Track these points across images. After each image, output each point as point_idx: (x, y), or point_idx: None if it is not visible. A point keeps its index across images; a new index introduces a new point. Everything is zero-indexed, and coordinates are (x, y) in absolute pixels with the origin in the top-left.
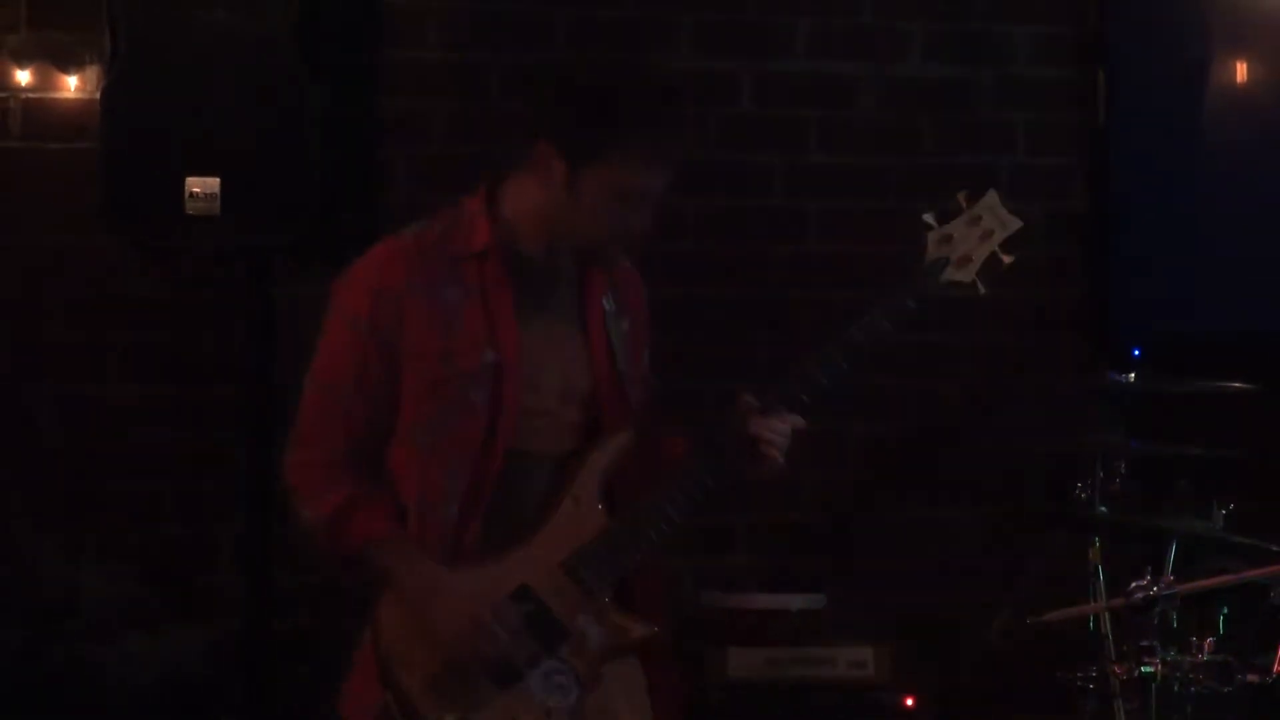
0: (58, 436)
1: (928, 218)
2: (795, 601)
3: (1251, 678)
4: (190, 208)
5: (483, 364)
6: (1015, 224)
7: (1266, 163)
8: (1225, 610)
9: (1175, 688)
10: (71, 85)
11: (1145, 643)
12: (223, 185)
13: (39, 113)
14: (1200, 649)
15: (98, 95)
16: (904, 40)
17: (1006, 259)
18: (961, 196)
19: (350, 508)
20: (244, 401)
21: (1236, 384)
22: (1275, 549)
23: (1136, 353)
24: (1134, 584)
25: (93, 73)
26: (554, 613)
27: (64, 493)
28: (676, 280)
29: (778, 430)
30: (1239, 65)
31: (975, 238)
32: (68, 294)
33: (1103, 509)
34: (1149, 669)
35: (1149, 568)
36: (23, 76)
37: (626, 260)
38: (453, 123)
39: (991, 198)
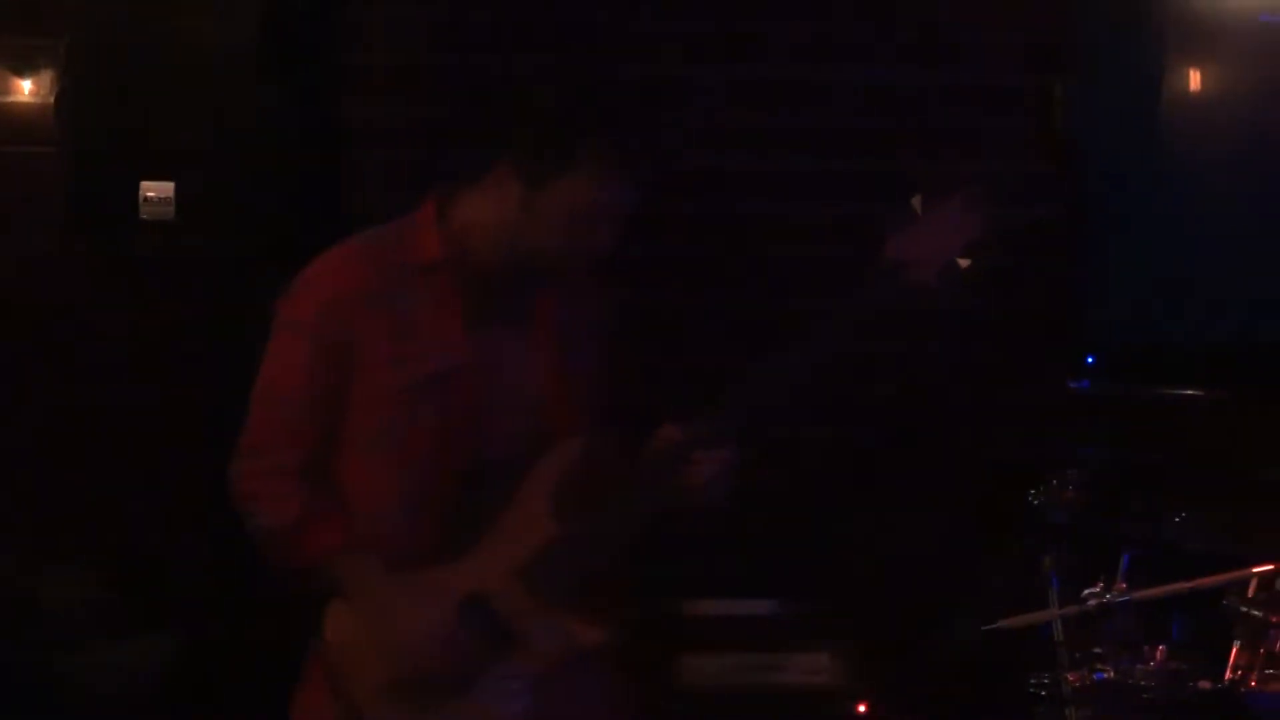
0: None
1: (887, 221)
2: (751, 608)
3: (1204, 684)
4: (145, 212)
5: (433, 372)
6: (974, 228)
7: (1230, 172)
8: (1178, 617)
9: (1128, 694)
10: (26, 89)
11: (1098, 650)
12: (178, 190)
13: None
14: (1153, 656)
15: (53, 99)
16: (873, 47)
17: (964, 263)
18: (917, 200)
19: (302, 518)
20: (202, 408)
21: (1191, 391)
22: (1228, 556)
23: (1091, 360)
24: (1087, 591)
25: (48, 77)
26: (505, 620)
27: (26, 499)
28: (643, 286)
29: (702, 474)
30: (1203, 71)
31: (936, 241)
32: (23, 298)
33: (1058, 516)
34: (1102, 676)
35: (1103, 575)
36: None
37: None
38: (413, 129)
39: (950, 202)
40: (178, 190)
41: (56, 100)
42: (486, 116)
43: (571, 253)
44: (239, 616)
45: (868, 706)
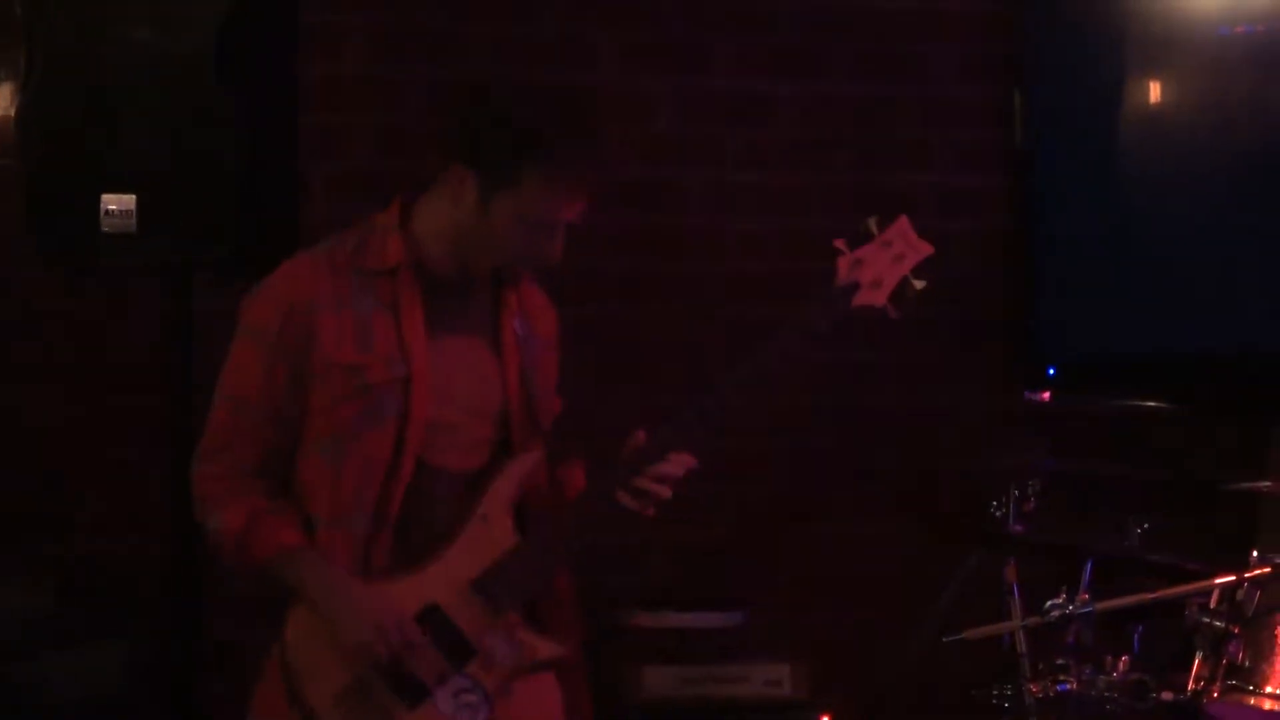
0: None
1: (839, 243)
2: (712, 619)
3: (1166, 695)
4: (106, 225)
5: (392, 377)
6: (926, 249)
7: (1185, 184)
8: (1140, 628)
9: (1091, 705)
10: None
11: (1061, 661)
12: (139, 203)
13: None
14: (1115, 667)
15: (13, 111)
16: (824, 59)
17: (918, 284)
18: (872, 221)
19: (258, 518)
20: (162, 416)
21: (1152, 403)
22: (1190, 567)
23: (1052, 372)
24: (1050, 602)
25: (8, 89)
26: (462, 630)
27: None
28: (593, 298)
29: (665, 478)
30: (1158, 86)
31: (887, 261)
32: None
33: (1018, 527)
34: (1065, 686)
35: (1065, 586)
36: None
37: (538, 286)
38: (371, 139)
39: (902, 223)
40: (139, 203)
41: (16, 113)
42: (442, 124)
43: (521, 259)
44: (192, 623)
45: (831, 717)
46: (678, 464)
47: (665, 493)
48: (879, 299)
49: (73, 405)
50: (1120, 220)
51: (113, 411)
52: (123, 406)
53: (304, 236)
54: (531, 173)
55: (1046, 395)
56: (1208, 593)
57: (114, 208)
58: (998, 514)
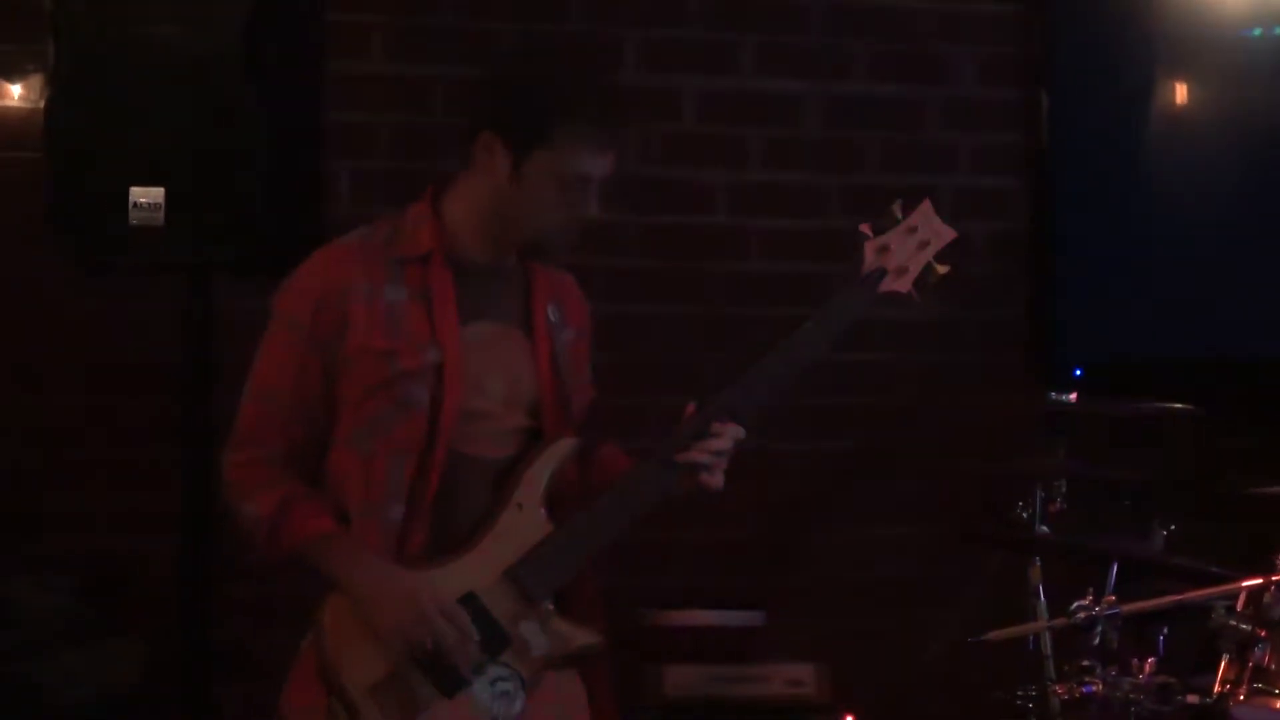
0: None
1: (864, 228)
2: (733, 619)
3: (1191, 698)
4: (134, 218)
5: (425, 364)
6: (949, 234)
7: (1208, 186)
8: (1165, 631)
9: (1116, 708)
10: (15, 94)
11: (1086, 663)
12: (166, 197)
13: None
14: (1141, 669)
15: (41, 105)
16: (848, 59)
17: (942, 269)
18: (896, 206)
19: (291, 504)
20: (183, 414)
21: (1177, 405)
22: (1215, 570)
23: (1078, 373)
24: (1076, 604)
25: (36, 82)
26: (498, 620)
27: (0, 507)
28: (618, 297)
29: (718, 449)
30: (1182, 88)
31: (912, 248)
32: (8, 304)
33: (1043, 529)
34: (1090, 689)
35: (1091, 588)
36: None
37: (567, 274)
38: (396, 136)
39: (926, 207)
40: (167, 196)
41: (45, 106)
42: (471, 94)
43: (558, 225)
44: (207, 621)
45: (853, 718)
46: (728, 435)
47: (717, 463)
48: (904, 286)
49: (91, 401)
50: (1144, 222)
51: (131, 408)
52: (142, 403)
53: (328, 234)
54: (562, 129)
55: (1074, 397)
56: (1234, 596)
57: (143, 201)
58: (1023, 516)
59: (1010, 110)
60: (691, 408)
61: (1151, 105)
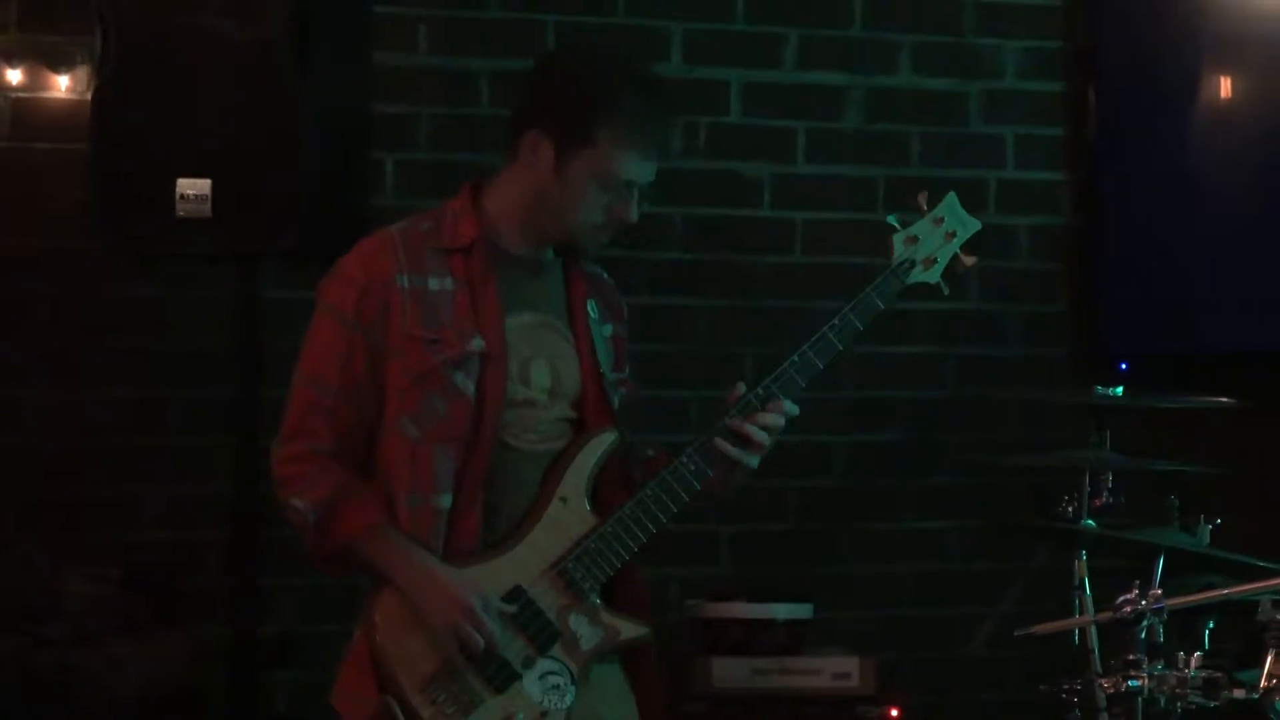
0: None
1: (892, 219)
2: (781, 611)
3: (1238, 693)
4: (181, 209)
5: (469, 352)
6: (975, 225)
7: (1255, 179)
8: (1211, 625)
9: (1162, 702)
10: (62, 85)
11: (1131, 657)
12: (213, 188)
13: (29, 113)
14: (1186, 664)
15: (88, 96)
16: (893, 52)
17: (968, 261)
18: (921, 198)
19: (342, 498)
20: (230, 404)
21: (1224, 399)
22: (1262, 564)
23: (1124, 367)
24: (1122, 598)
25: (83, 73)
26: (547, 613)
27: (48, 495)
28: (662, 289)
29: (767, 424)
30: (1229, 81)
31: (939, 239)
32: (55, 295)
33: (1089, 522)
34: (1135, 683)
35: (1136, 582)
36: (13, 76)
37: (604, 274)
38: (442, 128)
39: (951, 199)
40: (214, 187)
41: (93, 97)
42: (517, 89)
43: (597, 225)
44: (255, 611)
45: (900, 711)
46: (778, 412)
47: (766, 440)
48: (933, 277)
49: (139, 392)
50: (1189, 216)
51: (179, 399)
52: (189, 394)
53: (373, 225)
54: (605, 132)
55: (1120, 390)
56: None
57: (190, 192)
58: (1069, 509)
59: (1055, 103)
60: (736, 392)
61: (1197, 99)
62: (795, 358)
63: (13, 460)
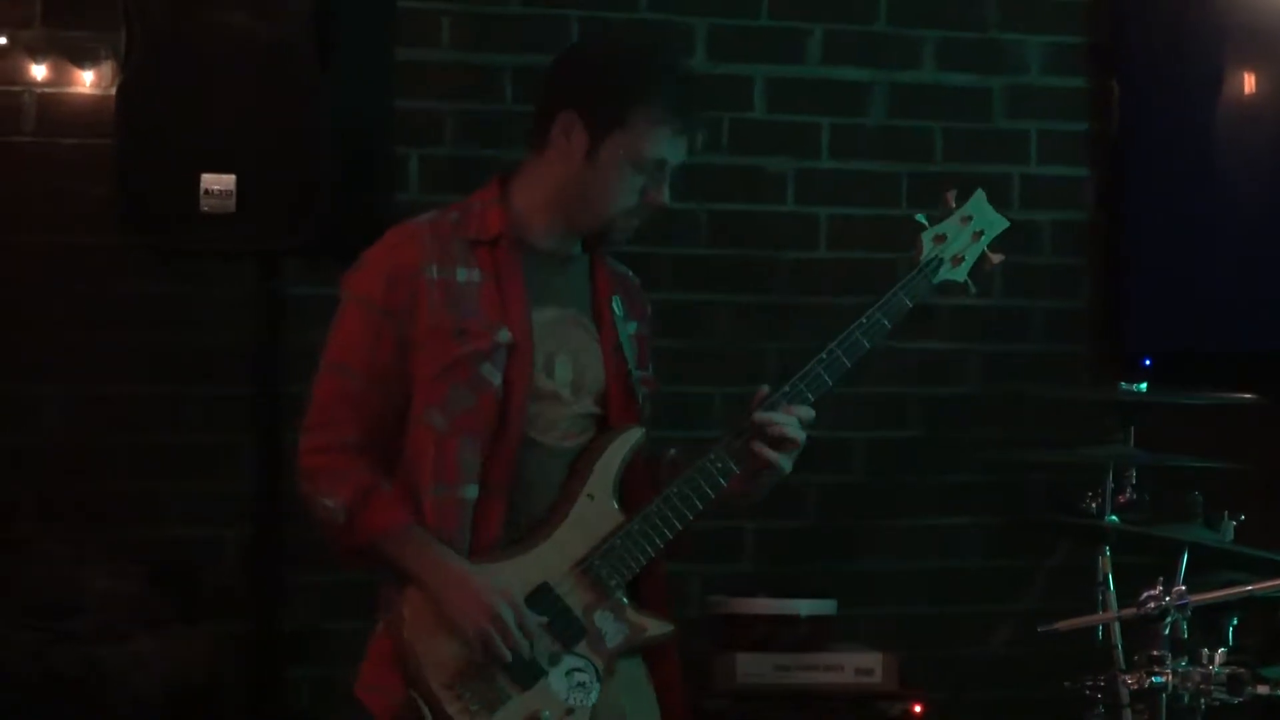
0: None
1: (920, 217)
2: (804, 607)
3: (1262, 689)
4: (205, 205)
5: (496, 344)
6: (1003, 223)
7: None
8: (1235, 621)
9: (1185, 698)
10: (87, 81)
11: (1155, 653)
12: (237, 184)
13: (53, 108)
14: (1210, 660)
15: (113, 91)
16: (917, 47)
17: (995, 259)
18: (949, 196)
19: (369, 495)
20: (252, 401)
21: (1247, 396)
22: None
23: (1147, 363)
24: (1146, 594)
25: (108, 69)
26: (572, 610)
27: (71, 492)
28: (685, 285)
29: (792, 423)
30: (1253, 76)
31: (967, 237)
32: (78, 290)
33: (1113, 519)
34: (1159, 679)
35: (1160, 578)
36: (38, 71)
37: (628, 271)
38: (465, 124)
39: (979, 196)
40: (238, 182)
41: (117, 93)
42: (547, 75)
43: (628, 208)
44: (277, 608)
45: (923, 707)
46: (799, 416)
47: (800, 435)
48: (961, 275)
49: (162, 387)
50: (1214, 212)
51: (202, 394)
52: (212, 389)
53: (397, 221)
54: (637, 112)
55: (1144, 386)
56: None
57: (214, 188)
58: (1092, 505)
59: (1078, 99)
60: (762, 393)
61: (1221, 94)
62: (823, 355)
63: (35, 456)
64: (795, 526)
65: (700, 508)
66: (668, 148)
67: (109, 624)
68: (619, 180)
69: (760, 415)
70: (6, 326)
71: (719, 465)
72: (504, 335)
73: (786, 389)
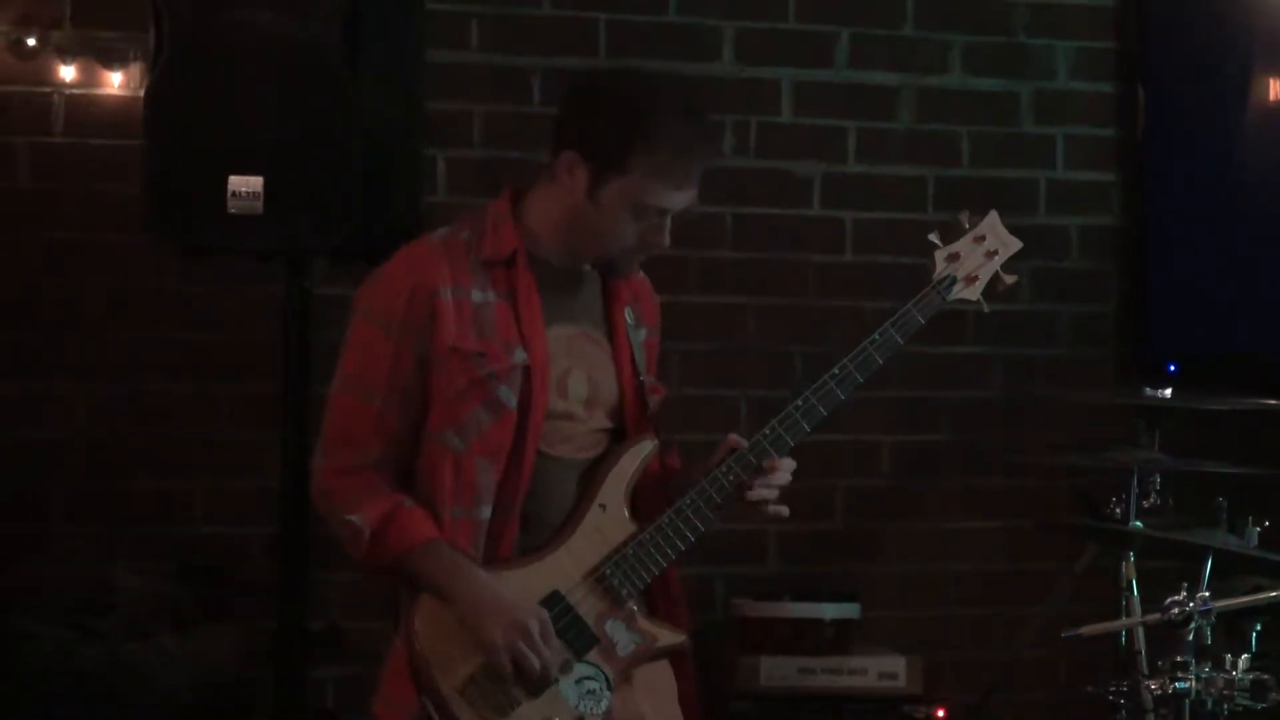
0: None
1: (933, 236)
2: (828, 610)
3: None
4: (233, 206)
5: (513, 365)
6: (1016, 244)
7: None
8: (1259, 627)
9: (1209, 704)
10: (115, 82)
11: (1179, 658)
12: (265, 185)
13: (82, 109)
14: (1234, 665)
15: (141, 92)
16: (944, 52)
17: (1008, 279)
18: (963, 216)
19: (396, 513)
20: (280, 401)
21: (1272, 401)
22: None
23: (1173, 368)
24: (1170, 599)
25: (137, 70)
26: (584, 619)
27: (99, 490)
28: (712, 288)
29: (773, 486)
30: (1278, 84)
31: (980, 256)
32: (107, 291)
33: (1137, 524)
34: (1183, 685)
35: (1184, 583)
36: (67, 73)
37: (640, 272)
38: (494, 125)
39: (993, 217)
40: (266, 183)
41: (146, 94)
42: (557, 109)
43: (628, 249)
44: (302, 606)
45: (947, 711)
46: (784, 470)
47: (773, 504)
48: (974, 294)
49: (190, 387)
50: (1239, 217)
51: (230, 394)
52: (240, 389)
53: (425, 222)
54: (639, 160)
55: (1170, 391)
56: None
57: (242, 189)
58: (1117, 510)
59: (1106, 103)
60: (732, 440)
61: (1247, 99)
62: (836, 370)
63: (64, 453)
64: (820, 529)
65: (713, 519)
66: (667, 198)
67: (137, 621)
68: (619, 223)
69: (751, 490)
70: (36, 325)
71: (731, 478)
72: (520, 356)
73: (799, 403)
